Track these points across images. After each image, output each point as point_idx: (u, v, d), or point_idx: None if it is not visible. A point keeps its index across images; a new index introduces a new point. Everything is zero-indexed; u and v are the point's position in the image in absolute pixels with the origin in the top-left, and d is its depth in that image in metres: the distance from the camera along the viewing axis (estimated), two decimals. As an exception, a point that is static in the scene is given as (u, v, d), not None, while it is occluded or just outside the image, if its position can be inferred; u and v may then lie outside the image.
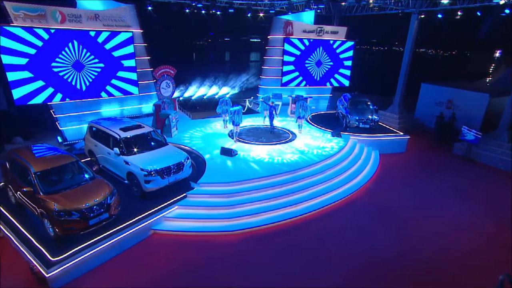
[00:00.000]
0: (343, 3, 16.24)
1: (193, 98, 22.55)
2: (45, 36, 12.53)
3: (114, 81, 14.95)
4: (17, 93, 12.39)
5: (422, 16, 17.15)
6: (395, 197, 11.45)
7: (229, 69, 42.38)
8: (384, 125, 17.02)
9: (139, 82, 15.63)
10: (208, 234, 8.77)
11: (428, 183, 12.63)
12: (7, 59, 11.83)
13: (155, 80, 15.48)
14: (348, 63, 20.86)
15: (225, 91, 25.03)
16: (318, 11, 19.74)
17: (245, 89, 26.86)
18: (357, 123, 15.74)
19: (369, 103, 16.59)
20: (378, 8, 16.34)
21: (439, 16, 16.31)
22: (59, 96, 13.52)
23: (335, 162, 12.50)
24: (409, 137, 15.78)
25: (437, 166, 14.52)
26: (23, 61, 12.22)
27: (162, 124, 13.38)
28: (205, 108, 19.37)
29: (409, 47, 18.11)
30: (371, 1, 15.19)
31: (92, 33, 13.80)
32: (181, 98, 21.87)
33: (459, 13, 15.43)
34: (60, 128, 14.29)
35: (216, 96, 22.80)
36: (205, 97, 23.02)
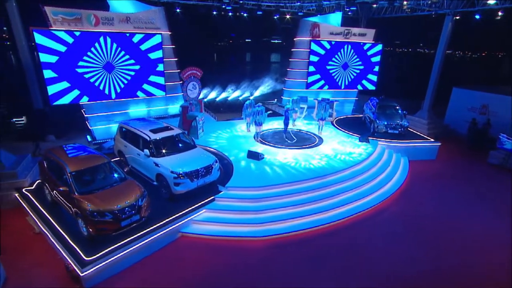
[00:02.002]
0: (374, 5, 15.77)
1: (217, 99, 22.68)
2: (79, 37, 12.93)
3: (144, 84, 15.25)
4: (52, 92, 12.86)
5: (457, 17, 16.38)
6: (426, 208, 10.96)
7: (250, 70, 42.43)
8: (413, 131, 16.42)
9: (166, 84, 15.87)
10: (235, 239, 8.70)
11: (461, 193, 12.04)
12: (44, 57, 12.31)
13: (181, 82, 15.66)
14: (376, 66, 20.29)
15: (248, 94, 25.02)
16: (349, 13, 19.32)
17: (268, 92, 26.73)
18: (385, 128, 15.26)
19: (397, 107, 16.07)
20: (410, 10, 15.74)
21: (477, 17, 15.50)
22: (91, 96, 13.94)
23: (364, 169, 12.14)
24: (440, 144, 15.13)
25: (471, 175, 13.83)
26: (59, 62, 12.69)
27: (188, 126, 13.49)
28: (228, 110, 19.43)
29: (442, 50, 17.41)
30: (405, 2, 14.65)
31: (126, 35, 14.13)
32: (205, 100, 22.05)
33: (499, 13, 14.59)
34: (90, 128, 14.73)
35: (240, 98, 22.84)
36: (229, 98, 23.11)
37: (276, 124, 16.24)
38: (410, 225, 9.84)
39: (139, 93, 15.22)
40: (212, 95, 23.84)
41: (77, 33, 12.78)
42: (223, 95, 24.20)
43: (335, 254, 8.41)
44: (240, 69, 44.60)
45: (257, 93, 25.83)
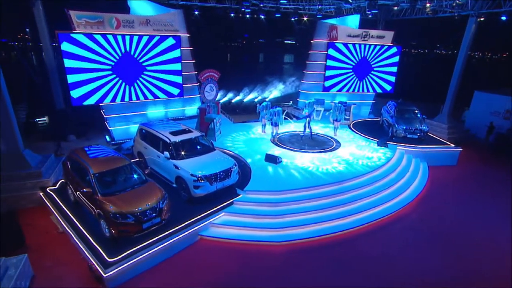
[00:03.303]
0: (396, 7, 15.48)
1: (233, 101, 22.75)
2: (102, 41, 13.21)
3: (161, 84, 15.45)
4: (74, 93, 13.19)
5: (482, 18, 15.88)
6: (447, 216, 10.68)
7: (264, 71, 42.36)
8: (432, 136, 16.04)
9: (183, 85, 16.03)
10: (253, 243, 8.69)
11: (484, 200, 11.69)
12: (68, 63, 12.64)
13: (199, 83, 15.78)
14: (393, 69, 19.96)
15: (264, 95, 24.99)
16: (370, 16, 19.06)
17: (284, 94, 26.60)
18: (404, 133, 14.95)
19: (416, 111, 15.75)
20: (432, 12, 15.37)
21: (503, 18, 14.94)
22: (110, 97, 14.22)
23: (383, 174, 11.93)
24: (461, 149, 14.73)
25: (495, 182, 13.39)
26: (81, 64, 13.00)
27: (206, 128, 13.57)
28: (244, 111, 19.46)
29: (464, 52, 16.96)
30: (428, 5, 14.30)
31: (145, 37, 14.34)
32: (221, 101, 22.18)
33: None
34: (109, 128, 15.02)
35: (256, 100, 22.84)
36: (244, 100, 23.15)
37: (293, 127, 16.15)
38: (430, 234, 9.60)
39: (157, 94, 15.41)
40: (228, 96, 23.93)
41: (99, 36, 13.06)
42: (238, 97, 24.26)
43: (354, 261, 8.29)
44: (254, 70, 44.58)
45: (272, 95, 25.76)
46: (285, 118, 16.39)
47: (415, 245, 9.08)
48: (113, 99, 14.35)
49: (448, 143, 15.30)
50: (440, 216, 10.58)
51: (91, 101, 13.78)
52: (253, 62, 65.29)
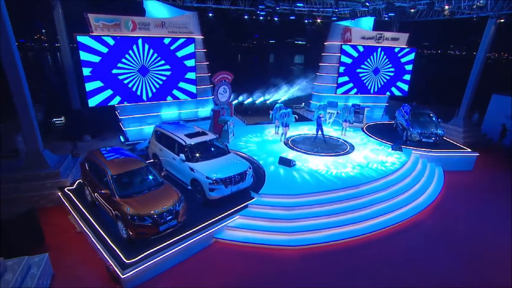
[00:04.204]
0: (412, 10, 15.25)
1: (245, 103, 22.79)
2: (118, 43, 13.41)
3: (176, 87, 15.59)
4: (91, 94, 13.43)
5: (502, 20, 15.49)
6: (463, 223, 10.48)
7: (275, 72, 42.29)
8: (448, 140, 15.76)
9: (197, 87, 16.13)
10: (268, 247, 8.67)
11: (501, 207, 11.40)
12: (85, 61, 12.90)
13: (212, 85, 15.86)
14: (408, 71, 19.65)
15: (276, 97, 24.94)
16: (386, 18, 18.85)
17: (296, 96, 26.48)
18: (419, 137, 14.73)
19: (432, 115, 15.50)
20: (449, 13, 15.08)
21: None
22: (126, 99, 14.42)
23: (398, 179, 11.78)
24: (478, 154, 14.42)
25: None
26: (98, 65, 13.22)
27: (219, 130, 13.63)
28: (256, 113, 19.46)
29: (482, 54, 16.56)
30: (446, 7, 14.04)
31: (161, 39, 14.49)
32: (233, 103, 22.25)
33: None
34: (123, 129, 15.22)
35: (268, 102, 22.83)
36: (256, 102, 23.15)
37: (306, 130, 16.07)
38: (446, 241, 9.44)
39: (171, 96, 15.56)
40: (240, 98, 23.96)
41: (115, 38, 13.24)
42: (250, 98, 24.28)
43: (369, 267, 8.21)
44: (265, 71, 44.55)
45: (284, 97, 25.68)
46: (296, 121, 16.39)
47: (432, 252, 8.93)
48: (128, 100, 14.52)
49: (464, 147, 15.00)
50: (456, 223, 10.38)
51: (106, 101, 13.96)
52: (264, 63, 65.26)
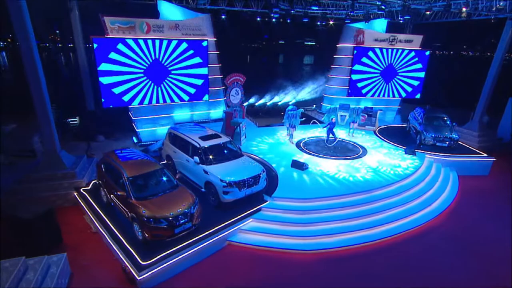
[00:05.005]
0: (428, 12, 15.04)
1: (256, 104, 22.81)
2: (133, 45, 13.58)
3: (189, 89, 15.70)
4: (105, 95, 13.61)
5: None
6: (479, 229, 10.29)
7: (285, 73, 42.18)
8: (462, 144, 15.47)
9: (209, 89, 16.22)
10: (281, 250, 8.67)
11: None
12: (100, 62, 13.10)
13: (224, 87, 15.93)
14: (421, 74, 19.40)
15: (287, 99, 24.88)
16: (401, 21, 18.64)
17: (307, 98, 26.35)
18: (433, 141, 14.50)
19: (446, 118, 15.25)
20: (466, 15, 14.81)
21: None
22: (139, 99, 14.58)
23: (411, 184, 11.63)
24: (494, 159, 14.13)
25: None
26: (113, 67, 13.42)
27: (232, 132, 13.67)
28: (267, 115, 19.46)
29: (500, 57, 16.25)
30: (464, 9, 13.79)
31: (173, 42, 14.61)
32: (244, 104, 22.31)
33: None
34: (136, 130, 15.41)
35: (279, 103, 22.79)
36: (268, 103, 23.14)
37: (318, 132, 16.02)
38: (461, 247, 9.30)
39: (184, 97, 15.68)
40: (250, 100, 23.97)
41: (130, 40, 13.42)
42: (261, 100, 24.27)
43: (383, 273, 8.14)
44: (274, 72, 44.47)
45: (296, 98, 25.58)
46: (313, 123, 16.36)
47: (446, 258, 8.79)
48: (141, 102, 14.69)
49: (480, 152, 14.72)
50: (472, 229, 10.21)
51: (118, 102, 14.15)
52: (273, 64, 65.10)
